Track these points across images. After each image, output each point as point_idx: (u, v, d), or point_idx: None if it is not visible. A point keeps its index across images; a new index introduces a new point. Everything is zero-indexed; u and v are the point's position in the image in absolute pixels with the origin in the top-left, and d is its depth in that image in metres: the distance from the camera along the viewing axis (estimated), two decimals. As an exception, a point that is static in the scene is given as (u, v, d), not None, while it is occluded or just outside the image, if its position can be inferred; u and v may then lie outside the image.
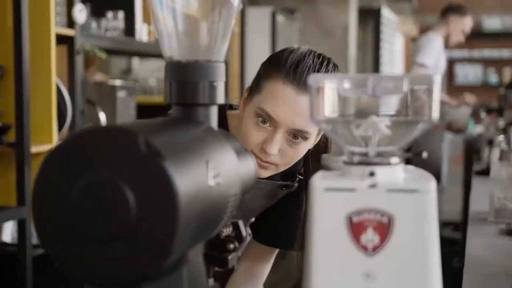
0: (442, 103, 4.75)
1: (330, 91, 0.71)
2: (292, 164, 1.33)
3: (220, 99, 0.83)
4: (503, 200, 1.93)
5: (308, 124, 1.25)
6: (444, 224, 5.68)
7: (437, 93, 0.69)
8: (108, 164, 0.62)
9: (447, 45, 4.76)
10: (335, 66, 1.33)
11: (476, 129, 8.76)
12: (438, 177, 4.89)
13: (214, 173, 0.70)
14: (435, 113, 0.69)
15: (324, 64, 1.30)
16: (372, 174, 0.68)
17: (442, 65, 4.67)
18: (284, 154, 1.29)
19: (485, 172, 2.81)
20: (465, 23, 4.67)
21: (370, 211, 0.67)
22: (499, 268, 1.47)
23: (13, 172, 2.37)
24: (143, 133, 0.62)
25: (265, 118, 1.27)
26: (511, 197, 1.94)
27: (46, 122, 2.50)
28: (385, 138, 0.71)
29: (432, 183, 0.67)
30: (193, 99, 0.81)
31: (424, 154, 0.70)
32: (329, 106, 0.71)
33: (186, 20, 0.83)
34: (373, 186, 0.67)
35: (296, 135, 1.28)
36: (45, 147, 2.49)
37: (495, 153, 2.98)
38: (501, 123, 4.10)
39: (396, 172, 0.69)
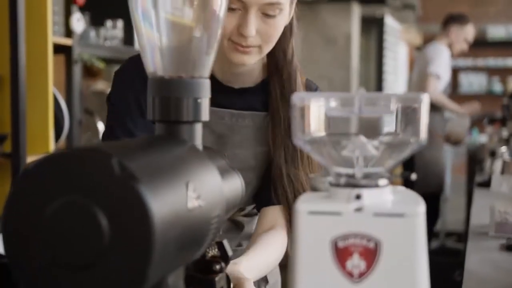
0: (448, 111, 4.73)
1: (315, 110, 0.68)
2: (274, 42, 1.28)
3: (205, 116, 0.80)
4: (504, 214, 1.90)
5: None
6: (447, 235, 5.64)
7: (426, 113, 0.66)
8: (80, 187, 0.59)
9: (451, 54, 4.76)
10: None
11: (480, 138, 8.73)
12: (440, 186, 4.84)
13: (195, 195, 0.68)
14: (423, 134, 0.66)
15: None
16: (358, 197, 0.65)
17: (449, 75, 4.69)
18: (263, 34, 1.24)
19: (487, 183, 2.78)
20: (467, 32, 4.66)
21: (356, 236, 0.64)
22: (499, 284, 1.44)
23: (9, 182, 2.35)
24: (117, 154, 0.60)
25: (232, 1, 1.22)
26: (512, 211, 1.91)
27: (42, 132, 2.47)
28: (373, 159, 0.68)
29: (421, 207, 0.65)
30: (176, 116, 0.79)
31: (413, 176, 0.68)
32: (314, 126, 0.69)
33: (169, 35, 0.80)
34: (359, 209, 0.64)
35: (269, 9, 1.23)
36: (41, 158, 2.47)
37: (497, 165, 2.95)
38: (505, 133, 4.07)
39: (383, 195, 0.67)
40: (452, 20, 4.73)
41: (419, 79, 4.70)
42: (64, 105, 2.57)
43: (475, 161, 4.83)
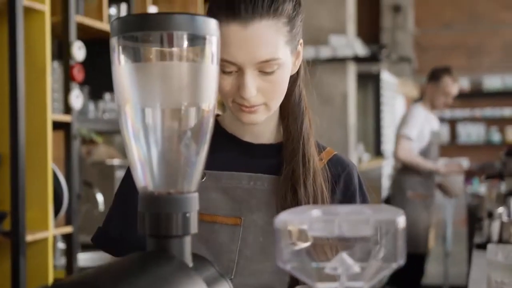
0: (432, 172, 4.73)
1: (297, 231, 0.71)
2: (281, 97, 1.22)
3: (194, 229, 0.83)
4: (501, 284, 1.90)
5: (273, 51, 1.15)
6: (450, 288, 5.60)
7: (403, 234, 0.69)
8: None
9: (433, 108, 4.79)
10: None
11: (480, 188, 8.73)
12: (424, 245, 4.71)
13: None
14: (402, 255, 0.68)
15: None
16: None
17: (427, 134, 4.66)
18: (265, 91, 1.19)
19: (486, 245, 2.78)
20: (444, 85, 4.71)
21: None
22: None
23: (8, 261, 2.36)
24: (104, 285, 0.62)
25: (226, 66, 1.17)
26: (509, 282, 1.91)
27: (42, 209, 2.50)
28: (355, 276, 0.71)
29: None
30: (166, 232, 0.81)
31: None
32: (297, 246, 0.71)
33: (159, 152, 0.84)
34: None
35: (266, 67, 1.17)
36: (41, 235, 2.49)
37: (495, 226, 2.96)
38: (503, 188, 4.08)
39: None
40: (428, 78, 4.79)
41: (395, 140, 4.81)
42: (63, 181, 2.60)
43: (475, 215, 4.83)
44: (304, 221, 0.71)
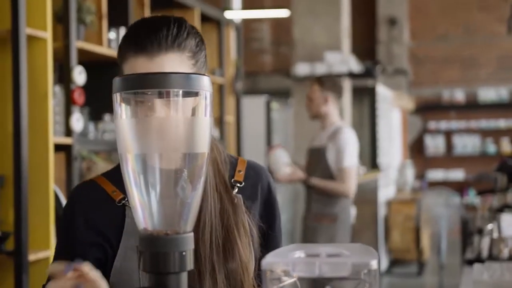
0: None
1: (282, 272, 0.79)
2: None
3: (190, 265, 0.91)
4: (486, 303, 1.98)
5: None
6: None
7: (377, 275, 0.77)
8: None
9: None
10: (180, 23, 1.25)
11: (475, 200, 8.80)
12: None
13: None
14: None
15: (165, 20, 1.24)
16: None
17: None
18: None
19: (476, 261, 2.85)
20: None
21: None
22: None
23: (11, 280, 2.44)
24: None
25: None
26: (494, 301, 1.99)
27: (44, 228, 2.57)
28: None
29: None
30: (164, 269, 0.90)
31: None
32: (282, 284, 0.80)
33: (158, 195, 0.92)
34: None
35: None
36: (42, 254, 2.56)
37: (485, 242, 3.03)
38: (495, 203, 4.15)
39: None
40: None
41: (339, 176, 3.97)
42: (65, 202, 2.68)
43: (468, 228, 4.89)
44: (288, 263, 0.80)
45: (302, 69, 5.59)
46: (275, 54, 9.74)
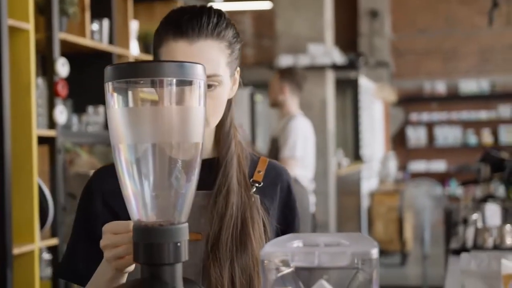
0: None
1: (281, 262, 0.78)
2: (220, 114, 1.28)
3: (184, 256, 0.90)
4: (474, 292, 1.98)
5: (215, 67, 1.23)
6: (428, 291, 5.71)
7: (377, 264, 0.76)
8: None
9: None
10: (220, 14, 1.28)
11: (457, 190, 8.85)
12: None
13: None
14: (376, 282, 0.76)
15: (205, 9, 1.28)
16: None
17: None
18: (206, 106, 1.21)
19: (461, 250, 2.86)
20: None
21: None
22: None
23: (-5, 274, 2.41)
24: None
25: None
26: (481, 290, 1.99)
27: (28, 222, 2.54)
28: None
29: None
30: (159, 260, 0.88)
31: None
32: (281, 274, 0.79)
33: (151, 186, 0.90)
34: None
35: (208, 81, 1.21)
36: (27, 248, 2.53)
37: (470, 232, 3.05)
38: (478, 193, 4.17)
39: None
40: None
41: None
42: (49, 194, 2.65)
43: (451, 218, 4.92)
44: (287, 252, 0.79)
45: (285, 61, 5.58)
46: (257, 47, 9.72)
